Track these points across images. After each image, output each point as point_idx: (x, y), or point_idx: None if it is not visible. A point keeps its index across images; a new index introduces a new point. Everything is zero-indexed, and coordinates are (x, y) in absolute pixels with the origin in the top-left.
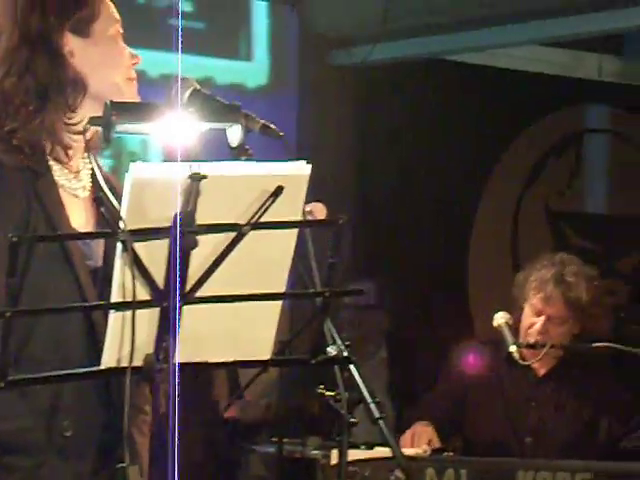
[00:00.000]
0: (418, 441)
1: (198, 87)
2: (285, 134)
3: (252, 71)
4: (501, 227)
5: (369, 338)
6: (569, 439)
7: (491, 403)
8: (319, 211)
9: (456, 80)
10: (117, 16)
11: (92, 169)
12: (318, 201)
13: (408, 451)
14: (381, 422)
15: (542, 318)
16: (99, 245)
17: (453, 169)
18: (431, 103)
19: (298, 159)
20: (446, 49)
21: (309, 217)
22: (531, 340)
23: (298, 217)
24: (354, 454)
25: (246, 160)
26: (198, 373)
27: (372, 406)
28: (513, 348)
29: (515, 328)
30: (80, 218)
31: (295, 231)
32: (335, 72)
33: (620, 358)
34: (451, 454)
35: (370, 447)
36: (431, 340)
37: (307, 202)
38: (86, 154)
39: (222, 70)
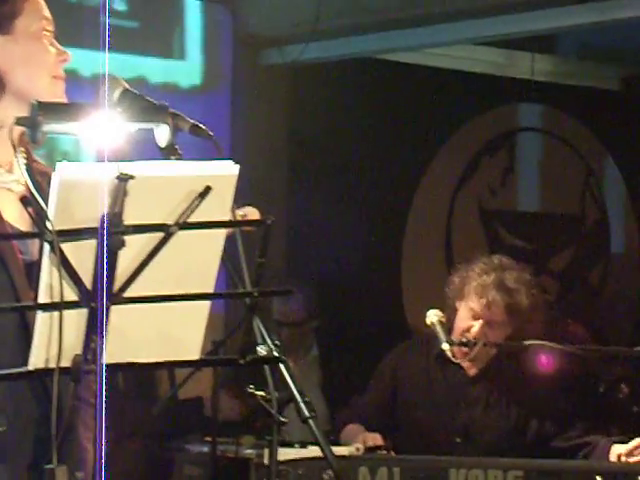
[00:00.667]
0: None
1: (127, 87)
2: (218, 134)
3: (185, 70)
4: (435, 225)
5: (300, 338)
6: (498, 439)
7: (421, 402)
8: (253, 215)
9: (390, 79)
10: (45, 13)
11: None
12: (249, 204)
13: (341, 450)
14: (311, 421)
15: (480, 322)
16: (34, 240)
17: (386, 168)
18: (364, 102)
19: (231, 159)
20: (378, 49)
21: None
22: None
23: (226, 217)
24: (287, 453)
25: (176, 160)
26: (138, 373)
27: (302, 405)
28: (446, 346)
29: (448, 326)
30: (14, 212)
31: (223, 231)
32: (268, 72)
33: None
34: (384, 452)
35: (304, 446)
36: (364, 338)
37: (239, 202)
38: (19, 149)
39: (155, 69)
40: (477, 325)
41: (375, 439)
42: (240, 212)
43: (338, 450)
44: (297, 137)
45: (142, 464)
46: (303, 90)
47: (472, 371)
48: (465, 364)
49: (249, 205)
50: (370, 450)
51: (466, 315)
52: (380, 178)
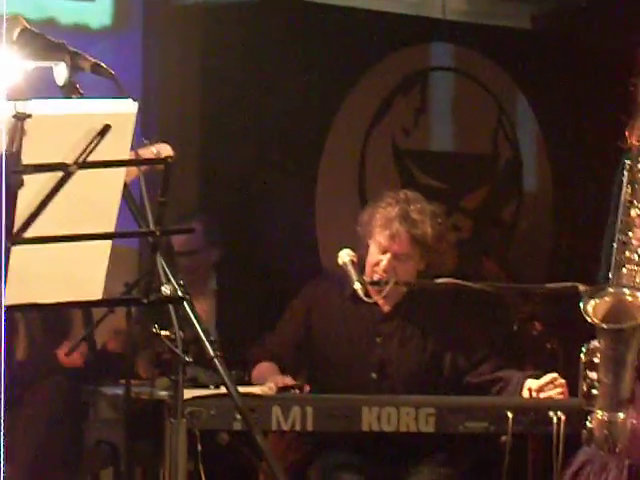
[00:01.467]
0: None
1: (27, 26)
2: (130, 75)
3: (95, 11)
4: (348, 165)
5: (199, 273)
6: (413, 374)
7: (336, 340)
8: (165, 152)
9: (301, 19)
10: None
11: None
12: (164, 142)
13: (253, 389)
14: (216, 360)
15: (388, 255)
16: None
17: (299, 107)
18: (278, 42)
19: (141, 100)
20: None
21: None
22: (376, 277)
23: (126, 155)
24: (200, 393)
25: (76, 99)
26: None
27: (207, 345)
28: (357, 285)
29: (362, 265)
30: None
31: (123, 170)
32: (180, 12)
33: (463, 293)
34: (297, 392)
35: (218, 387)
36: (274, 275)
37: (153, 142)
38: None
39: (65, 10)
40: (385, 259)
41: (285, 381)
42: (153, 149)
43: (251, 389)
44: (210, 77)
45: (56, 406)
46: (216, 30)
47: (386, 308)
48: (379, 301)
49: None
50: (283, 389)
51: (375, 250)
52: (293, 117)
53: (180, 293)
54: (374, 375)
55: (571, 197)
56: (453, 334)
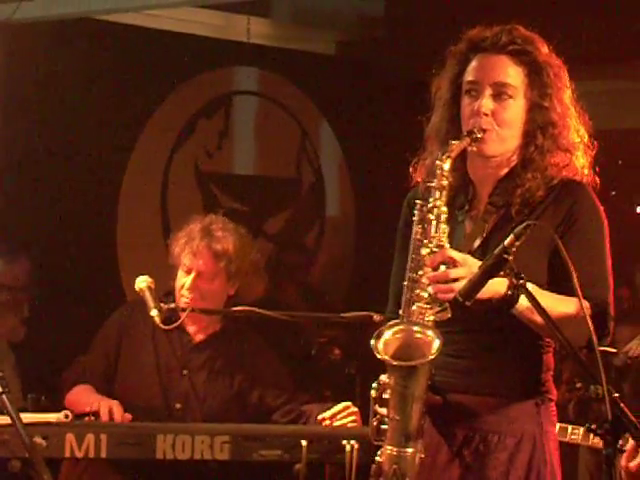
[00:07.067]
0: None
1: None
2: None
3: None
4: (150, 189)
5: (17, 305)
6: (219, 409)
7: (144, 366)
8: None
9: (107, 40)
10: None
11: None
12: None
13: (48, 417)
14: (4, 396)
15: (192, 275)
16: None
17: (102, 129)
18: (81, 64)
19: None
20: (98, 9)
21: None
22: (183, 301)
23: None
24: None
25: None
26: None
27: None
28: (154, 312)
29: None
30: None
31: None
32: None
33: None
34: (92, 419)
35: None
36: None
37: None
38: None
39: None
40: (189, 279)
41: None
42: None
43: (45, 417)
44: (11, 99)
45: None
46: (18, 50)
47: (199, 337)
48: (191, 329)
49: None
50: (78, 417)
51: (181, 274)
52: (96, 140)
53: None
54: (178, 405)
55: (372, 223)
56: (261, 369)
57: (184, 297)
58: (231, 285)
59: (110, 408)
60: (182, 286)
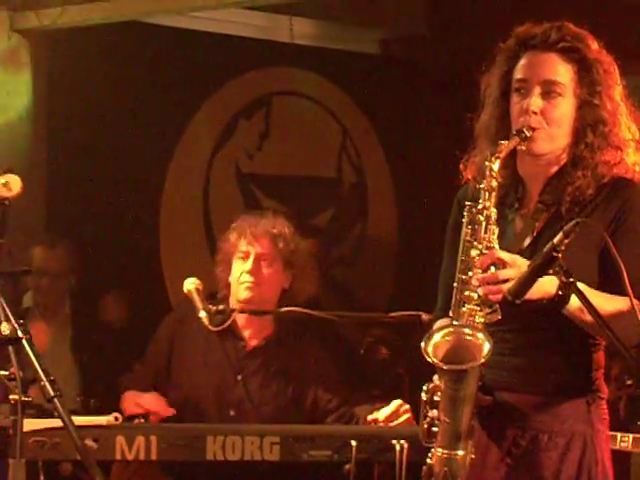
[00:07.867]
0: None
1: None
2: None
3: None
4: (193, 190)
5: (55, 296)
6: (273, 415)
7: (197, 372)
8: (14, 182)
9: (151, 42)
10: None
11: None
12: (10, 171)
13: (99, 419)
14: (56, 400)
15: (251, 258)
16: None
17: (145, 130)
18: (125, 66)
19: None
20: (143, 11)
21: (5, 189)
22: (244, 287)
23: None
24: (42, 423)
25: None
26: None
27: (46, 385)
28: (203, 314)
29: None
30: None
31: None
32: (24, 36)
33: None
34: (142, 421)
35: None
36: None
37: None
38: None
39: None
40: (249, 262)
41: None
42: (2, 180)
43: (95, 420)
44: (57, 103)
45: None
46: (60, 55)
47: (253, 342)
48: (247, 334)
49: (10, 171)
50: (130, 418)
51: (238, 263)
52: (139, 141)
53: (20, 333)
54: (232, 412)
55: (415, 222)
56: (315, 372)
57: (245, 283)
58: (287, 276)
59: (153, 399)
60: (241, 273)
